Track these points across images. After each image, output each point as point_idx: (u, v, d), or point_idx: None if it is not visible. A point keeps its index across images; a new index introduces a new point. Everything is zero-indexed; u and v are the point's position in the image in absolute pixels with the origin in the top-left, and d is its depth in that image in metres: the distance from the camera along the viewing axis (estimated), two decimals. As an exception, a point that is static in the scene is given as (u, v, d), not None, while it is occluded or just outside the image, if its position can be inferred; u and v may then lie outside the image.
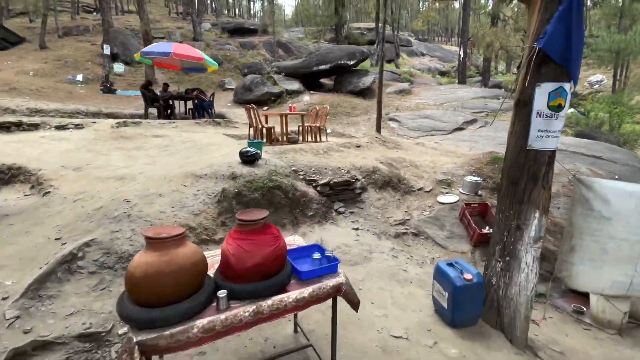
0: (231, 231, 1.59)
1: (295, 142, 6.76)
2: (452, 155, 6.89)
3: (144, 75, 15.32)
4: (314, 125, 6.98)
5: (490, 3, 22.74)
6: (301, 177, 4.59)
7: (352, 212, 4.51)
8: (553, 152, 2.27)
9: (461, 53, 17.06)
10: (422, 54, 29.87)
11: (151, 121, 7.20)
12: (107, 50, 14.58)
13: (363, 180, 4.95)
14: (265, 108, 11.52)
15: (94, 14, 26.24)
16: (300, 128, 6.80)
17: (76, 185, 3.93)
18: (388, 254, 3.78)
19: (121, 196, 3.39)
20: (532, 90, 2.16)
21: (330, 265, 1.70)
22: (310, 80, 13.43)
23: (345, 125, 9.75)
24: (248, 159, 4.18)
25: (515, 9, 22.14)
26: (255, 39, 23.26)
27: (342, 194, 4.70)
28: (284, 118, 6.66)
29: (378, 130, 7.57)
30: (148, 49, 7.56)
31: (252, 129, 6.50)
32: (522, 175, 2.29)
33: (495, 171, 5.50)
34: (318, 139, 6.95)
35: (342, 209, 4.50)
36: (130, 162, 4.83)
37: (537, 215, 2.32)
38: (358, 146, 6.51)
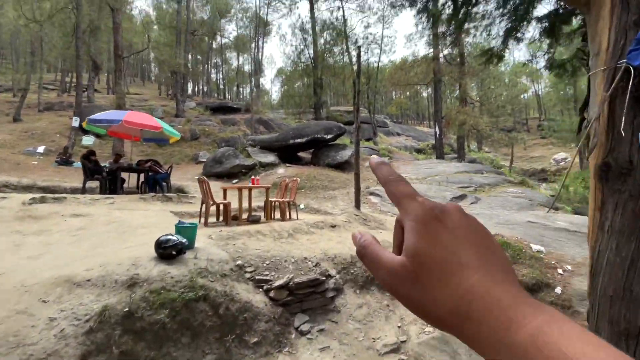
0: None
1: (257, 221, 5.52)
2: (446, 237, 5.74)
3: (112, 148, 14.54)
4: (282, 200, 5.88)
5: (457, 90, 24.91)
6: (248, 275, 3.23)
7: (320, 331, 3.05)
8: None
9: (437, 130, 17.57)
10: (398, 134, 31.55)
11: (81, 197, 5.88)
12: (75, 122, 14.05)
13: (338, 276, 3.62)
14: (234, 181, 10.52)
15: (85, 92, 27.10)
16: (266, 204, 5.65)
17: None
18: (376, 418, 2.26)
19: None
20: (634, 146, 1.12)
21: None
22: (287, 153, 12.91)
23: (321, 199, 8.71)
24: (165, 252, 2.85)
25: (481, 93, 24.23)
26: (237, 117, 23.83)
27: (307, 299, 3.29)
28: (243, 192, 5.53)
29: (357, 206, 6.50)
30: (96, 116, 6.70)
31: (204, 206, 5.32)
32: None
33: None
34: (287, 217, 5.79)
35: (305, 327, 3.04)
36: (6, 256, 3.36)
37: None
38: (333, 226, 5.31)
